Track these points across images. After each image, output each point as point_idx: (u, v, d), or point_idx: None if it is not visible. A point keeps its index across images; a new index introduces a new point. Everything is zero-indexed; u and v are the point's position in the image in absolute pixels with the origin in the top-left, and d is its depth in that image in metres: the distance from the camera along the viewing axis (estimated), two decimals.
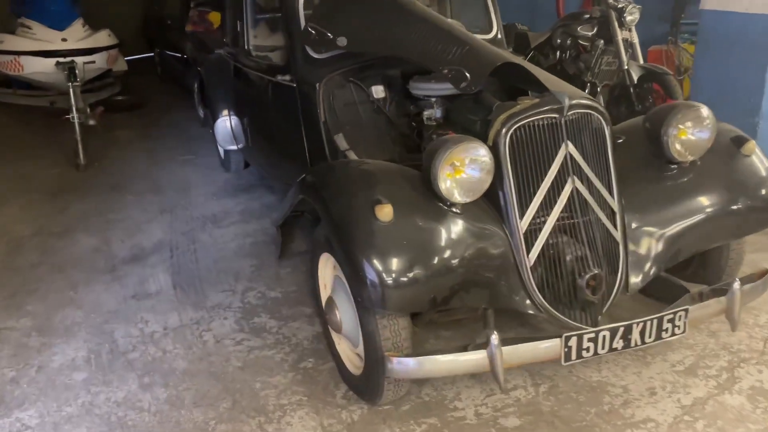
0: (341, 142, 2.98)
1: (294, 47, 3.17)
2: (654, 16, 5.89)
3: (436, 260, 2.02)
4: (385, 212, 1.98)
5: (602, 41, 5.18)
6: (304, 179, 2.50)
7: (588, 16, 5.33)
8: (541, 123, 2.22)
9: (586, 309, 2.20)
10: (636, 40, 5.24)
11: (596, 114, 2.31)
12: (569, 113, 2.23)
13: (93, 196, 4.73)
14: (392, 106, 3.09)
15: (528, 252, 2.20)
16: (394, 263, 1.97)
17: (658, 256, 2.35)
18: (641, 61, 5.23)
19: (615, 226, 2.30)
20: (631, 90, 4.91)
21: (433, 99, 2.80)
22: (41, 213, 4.46)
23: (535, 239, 2.21)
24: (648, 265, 2.34)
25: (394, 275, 1.96)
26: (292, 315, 3.00)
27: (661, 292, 2.54)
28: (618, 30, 5.06)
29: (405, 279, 1.97)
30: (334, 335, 2.49)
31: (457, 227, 2.10)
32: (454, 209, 2.12)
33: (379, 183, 2.16)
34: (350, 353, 2.44)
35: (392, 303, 1.98)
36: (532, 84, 2.37)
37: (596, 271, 2.16)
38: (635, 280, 2.32)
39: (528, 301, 2.20)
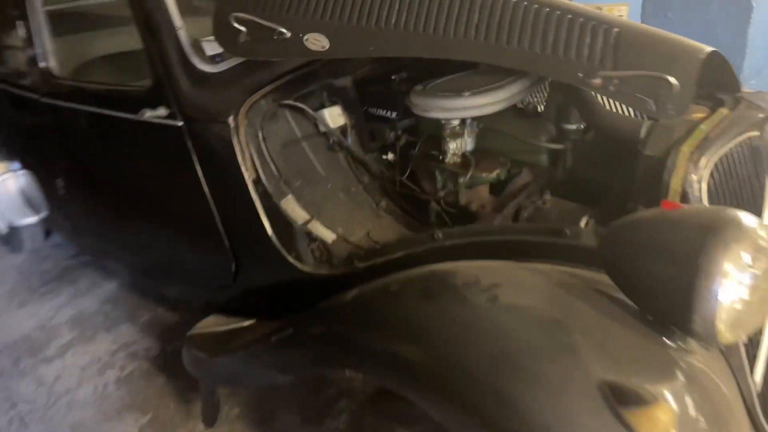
0: (294, 209, 1.76)
1: (167, 57, 1.78)
2: None
3: None
4: (664, 423, 0.88)
5: None
6: (331, 331, 1.24)
7: None
8: (741, 150, 1.30)
9: None
10: None
11: None
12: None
13: None
14: (354, 135, 1.92)
15: (752, 370, 1.29)
16: None
17: None
18: None
19: None
20: None
21: (455, 123, 1.71)
22: None
23: (756, 348, 1.31)
24: None
25: None
26: None
27: None
28: None
29: None
30: None
31: (701, 383, 1.07)
32: (683, 344, 1.09)
33: (591, 334, 1.01)
34: None
35: None
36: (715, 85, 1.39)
37: None
38: None
39: None
